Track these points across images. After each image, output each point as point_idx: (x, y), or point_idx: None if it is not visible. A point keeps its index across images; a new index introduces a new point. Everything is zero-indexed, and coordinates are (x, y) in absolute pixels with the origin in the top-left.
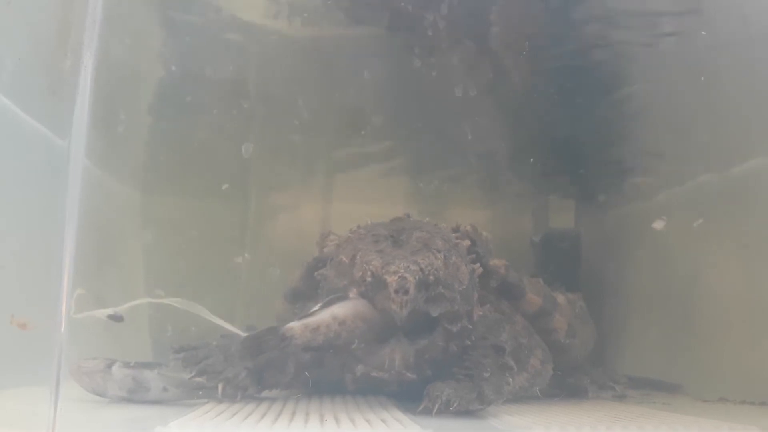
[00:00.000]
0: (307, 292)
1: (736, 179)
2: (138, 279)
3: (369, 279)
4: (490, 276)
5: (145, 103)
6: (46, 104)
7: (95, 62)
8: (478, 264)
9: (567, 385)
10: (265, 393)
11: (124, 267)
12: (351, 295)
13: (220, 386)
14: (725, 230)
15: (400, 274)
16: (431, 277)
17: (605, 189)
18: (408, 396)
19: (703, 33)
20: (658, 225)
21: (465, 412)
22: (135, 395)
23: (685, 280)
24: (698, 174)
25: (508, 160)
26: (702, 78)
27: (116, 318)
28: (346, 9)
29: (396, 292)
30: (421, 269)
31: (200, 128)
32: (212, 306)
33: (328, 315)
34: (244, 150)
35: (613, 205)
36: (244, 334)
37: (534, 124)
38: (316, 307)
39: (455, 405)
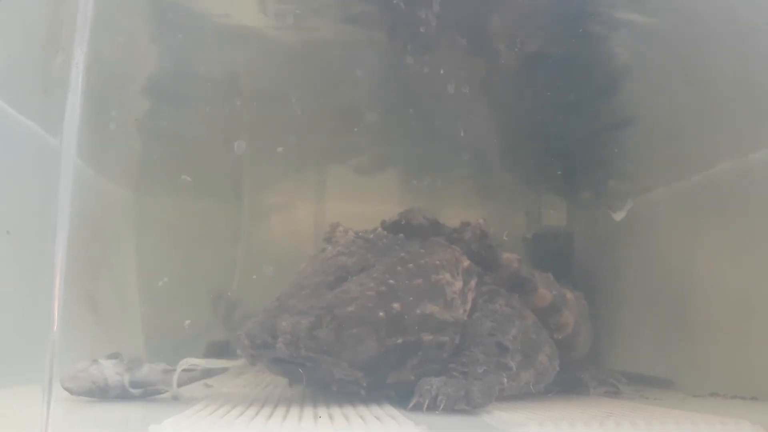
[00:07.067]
0: None
1: (727, 177)
2: (130, 278)
3: None
4: (503, 270)
5: (138, 100)
6: (37, 102)
7: (86, 60)
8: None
9: (564, 381)
10: (259, 391)
11: (116, 266)
12: None
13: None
14: (716, 228)
15: None
16: None
17: (598, 187)
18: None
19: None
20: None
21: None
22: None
23: (677, 277)
24: (690, 172)
25: (501, 158)
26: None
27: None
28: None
29: None
30: None
31: (193, 126)
32: (209, 306)
33: None
34: (237, 147)
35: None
36: None
37: (527, 122)
38: None
39: (442, 405)
